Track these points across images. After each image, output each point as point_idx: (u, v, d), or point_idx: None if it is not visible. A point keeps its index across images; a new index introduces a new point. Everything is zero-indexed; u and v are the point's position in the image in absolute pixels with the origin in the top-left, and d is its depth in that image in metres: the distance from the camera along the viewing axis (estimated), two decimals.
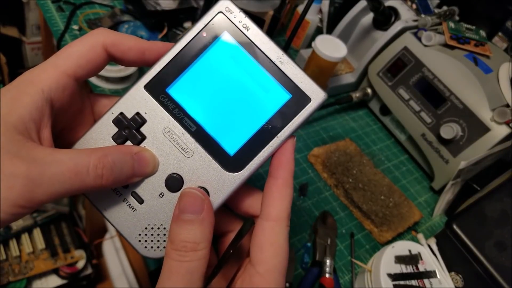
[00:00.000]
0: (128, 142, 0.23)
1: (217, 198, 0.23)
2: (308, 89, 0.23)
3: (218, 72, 0.23)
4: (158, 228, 0.23)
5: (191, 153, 0.23)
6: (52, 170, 0.18)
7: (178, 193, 0.23)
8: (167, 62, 0.23)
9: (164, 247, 0.23)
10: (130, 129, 0.23)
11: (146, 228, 0.23)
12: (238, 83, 0.23)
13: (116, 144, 0.23)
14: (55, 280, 0.77)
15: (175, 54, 0.23)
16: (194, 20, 0.65)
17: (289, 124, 0.23)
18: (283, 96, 0.23)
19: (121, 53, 0.23)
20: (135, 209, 0.23)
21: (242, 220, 0.27)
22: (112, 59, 0.23)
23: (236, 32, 0.23)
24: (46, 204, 0.21)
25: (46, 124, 0.20)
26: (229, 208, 0.26)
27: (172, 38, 0.62)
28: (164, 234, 0.23)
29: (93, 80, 0.55)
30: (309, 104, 0.23)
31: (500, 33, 0.71)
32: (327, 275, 0.43)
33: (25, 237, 0.77)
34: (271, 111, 0.23)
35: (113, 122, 0.23)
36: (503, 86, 0.55)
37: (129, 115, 0.23)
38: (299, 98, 0.23)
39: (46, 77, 0.20)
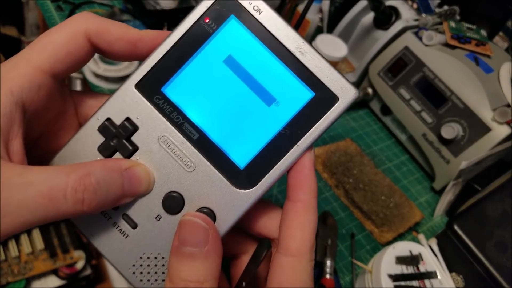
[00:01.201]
0: (117, 154, 0.19)
1: (226, 221, 0.19)
2: (335, 85, 0.19)
3: (224, 66, 0.19)
4: (156, 258, 0.20)
5: (193, 167, 0.19)
6: (20, 195, 0.15)
7: (179, 215, 0.19)
8: (162, 55, 0.19)
9: (163, 280, 0.20)
10: (119, 138, 0.19)
11: (141, 258, 0.20)
12: (248, 79, 0.19)
13: (102, 158, 0.19)
14: (55, 281, 0.76)
15: (171, 45, 0.19)
16: None
17: (312, 129, 0.19)
18: (304, 95, 0.19)
19: (108, 44, 0.19)
20: (128, 235, 0.20)
21: (256, 240, 0.23)
22: (97, 50, 0.19)
23: (246, 16, 0.19)
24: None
25: (17, 133, 0.16)
26: (240, 226, 0.23)
27: None
28: (163, 265, 0.20)
29: (92, 79, 0.55)
30: (336, 104, 0.19)
31: (501, 33, 0.71)
32: (327, 276, 0.43)
33: (24, 238, 0.77)
34: (290, 113, 0.19)
35: (98, 130, 0.19)
36: (504, 86, 0.55)
37: (118, 121, 0.19)
38: (324, 97, 0.19)
39: (16, 75, 0.17)
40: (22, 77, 0.17)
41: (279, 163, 0.19)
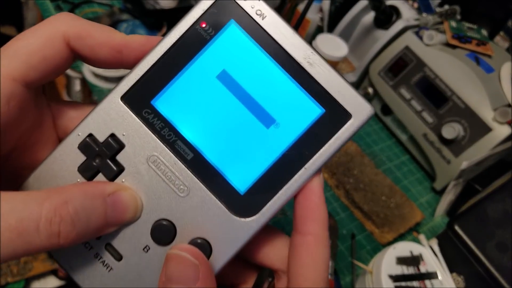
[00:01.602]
0: (100, 176, 0.17)
1: (223, 253, 0.17)
2: (347, 101, 0.17)
3: (223, 76, 0.17)
4: None
5: (186, 191, 0.17)
6: None
7: (170, 246, 0.17)
8: (152, 63, 0.17)
9: None
10: (102, 157, 0.17)
11: None
12: (249, 92, 0.17)
13: (83, 179, 0.17)
14: (54, 281, 0.76)
15: (163, 53, 0.17)
16: None
17: (321, 150, 0.17)
18: (313, 111, 0.17)
19: (89, 49, 0.17)
20: (112, 268, 0.17)
21: (256, 269, 0.21)
22: (77, 56, 0.17)
23: (248, 21, 0.17)
24: None
25: None
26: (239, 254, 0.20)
27: None
28: None
29: (91, 79, 0.55)
30: (349, 122, 0.17)
31: (502, 33, 0.71)
32: (328, 277, 0.43)
33: None
34: (296, 131, 0.17)
35: (79, 147, 0.17)
36: (505, 85, 0.54)
37: (101, 137, 0.17)
38: (335, 114, 0.17)
39: None
40: None
41: (284, 187, 0.17)
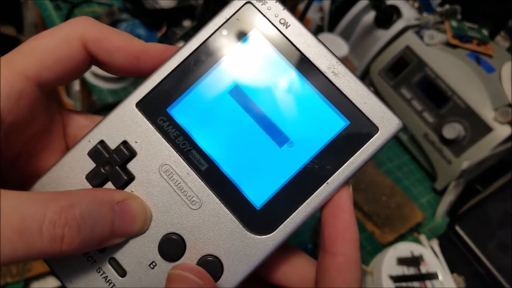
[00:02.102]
0: (109, 184, 0.16)
1: (235, 273, 0.16)
2: (374, 113, 0.16)
3: (244, 84, 0.17)
4: None
5: (198, 203, 0.16)
6: None
7: (178, 263, 0.16)
8: (170, 70, 0.16)
9: None
10: (113, 165, 0.16)
11: None
12: (270, 102, 0.16)
13: (90, 187, 0.16)
14: (53, 282, 0.76)
15: (182, 60, 0.16)
16: (194, 19, 0.64)
17: (345, 164, 0.16)
18: (337, 123, 0.16)
19: (106, 53, 0.16)
20: (114, 285, 0.16)
21: None
22: (93, 61, 0.17)
23: (271, 30, 0.16)
24: None
25: None
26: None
27: (171, 37, 0.61)
28: None
29: (91, 79, 0.54)
30: (376, 136, 0.16)
31: (502, 32, 0.71)
32: None
33: None
34: (319, 144, 0.16)
35: (88, 154, 0.16)
36: (505, 85, 0.54)
37: (113, 144, 0.16)
38: (360, 126, 0.16)
39: None
40: (1, 81, 0.14)
41: (304, 203, 0.16)
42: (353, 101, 0.16)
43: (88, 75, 0.54)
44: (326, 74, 0.16)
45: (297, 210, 0.16)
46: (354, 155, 0.16)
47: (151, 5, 0.60)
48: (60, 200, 0.14)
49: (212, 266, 0.16)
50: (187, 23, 0.64)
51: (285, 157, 0.16)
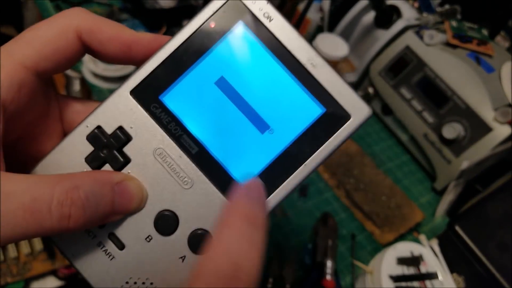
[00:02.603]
0: (107, 166, 0.18)
1: None
2: (347, 102, 0.18)
3: (229, 75, 0.18)
4: (143, 283, 0.18)
5: (190, 183, 0.18)
6: None
7: (172, 237, 0.18)
8: (161, 60, 0.18)
9: None
10: (110, 148, 0.18)
11: (127, 283, 0.18)
12: (254, 90, 0.18)
13: (89, 169, 0.18)
14: (53, 282, 0.76)
15: (172, 50, 0.18)
16: None
17: (321, 148, 0.18)
18: (314, 110, 0.18)
19: (100, 43, 0.17)
20: (114, 257, 0.18)
21: None
22: (87, 50, 0.18)
23: (255, 23, 0.18)
24: None
25: None
26: None
27: None
28: None
29: (91, 79, 0.55)
30: (348, 122, 0.18)
31: (502, 32, 0.71)
32: (328, 277, 0.43)
33: None
34: (298, 129, 0.18)
35: (87, 138, 0.18)
36: (505, 85, 0.54)
37: (109, 129, 0.18)
38: (335, 114, 0.18)
39: None
40: (2, 72, 0.15)
41: (284, 182, 0.18)
42: (329, 90, 0.18)
43: (88, 75, 0.55)
44: (305, 66, 0.18)
45: (278, 188, 0.18)
46: (329, 140, 0.18)
47: (151, 5, 0.60)
48: (65, 182, 0.15)
49: (202, 238, 0.18)
50: (187, 23, 0.64)
51: (267, 142, 0.18)
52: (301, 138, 0.18)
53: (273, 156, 0.18)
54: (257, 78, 0.18)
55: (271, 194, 0.18)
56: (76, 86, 0.67)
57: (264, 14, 0.18)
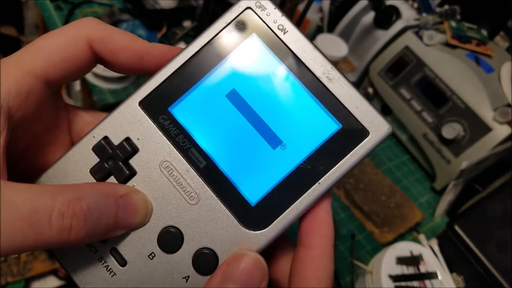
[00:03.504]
0: (111, 179, 0.17)
1: None
2: (365, 118, 0.17)
3: (241, 88, 0.17)
4: None
5: (196, 199, 0.17)
6: None
7: (175, 255, 0.17)
8: (172, 71, 0.17)
9: None
10: (116, 160, 0.17)
11: None
12: (266, 104, 0.17)
13: (94, 181, 0.17)
14: (54, 281, 0.76)
15: (184, 61, 0.17)
16: (194, 19, 0.64)
17: (336, 166, 0.17)
18: (330, 126, 0.17)
19: (111, 53, 0.17)
20: (115, 274, 0.17)
21: None
22: (99, 60, 0.18)
23: (269, 36, 0.17)
24: None
25: None
26: None
27: (171, 38, 0.61)
28: None
29: (91, 79, 0.55)
30: (366, 139, 0.17)
31: (501, 33, 0.71)
32: None
33: None
34: (312, 145, 0.17)
35: (93, 149, 0.17)
36: (504, 85, 0.54)
37: (116, 140, 0.17)
38: (352, 130, 0.17)
39: (3, 77, 0.15)
40: (10, 79, 0.15)
41: (297, 201, 0.17)
42: (346, 105, 0.17)
43: (88, 75, 0.55)
44: (320, 79, 0.17)
45: (289, 208, 0.17)
46: (345, 157, 0.17)
47: (151, 6, 0.60)
48: (67, 192, 0.14)
49: (207, 258, 0.17)
50: (187, 24, 0.64)
51: (279, 158, 0.17)
52: (315, 155, 0.17)
53: (285, 173, 0.17)
54: (270, 91, 0.17)
55: (281, 214, 0.17)
56: (77, 86, 0.67)
57: (278, 26, 0.17)
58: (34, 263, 0.76)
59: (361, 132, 0.17)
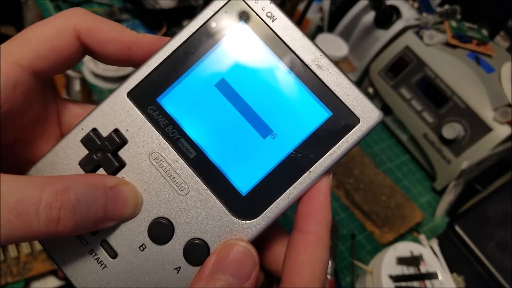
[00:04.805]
0: (101, 170, 0.17)
1: None
2: (356, 105, 0.16)
3: (230, 77, 0.17)
4: None
5: (186, 189, 0.17)
6: None
7: (166, 246, 0.17)
8: (160, 61, 0.17)
9: None
10: (105, 151, 0.17)
11: None
12: (256, 93, 0.17)
13: (83, 173, 0.17)
14: (54, 282, 0.76)
15: (172, 51, 0.17)
16: None
17: (327, 154, 0.16)
18: (320, 114, 0.17)
19: (99, 43, 0.17)
20: (106, 266, 0.17)
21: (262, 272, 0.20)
22: (86, 51, 0.17)
23: (258, 23, 0.17)
24: None
25: None
26: None
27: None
28: None
29: (91, 79, 0.55)
30: (357, 127, 0.16)
31: (502, 33, 0.71)
32: (328, 277, 0.43)
33: None
34: (302, 134, 0.17)
35: (81, 141, 0.17)
36: (505, 85, 0.54)
37: (105, 132, 0.17)
38: (342, 118, 0.17)
39: None
40: None
41: (287, 190, 0.17)
42: (336, 93, 0.17)
43: (88, 75, 0.55)
44: (310, 67, 0.17)
45: (280, 197, 0.17)
46: (336, 145, 0.17)
47: (151, 5, 0.60)
48: (55, 183, 0.14)
49: (198, 249, 0.17)
50: (187, 23, 0.64)
51: (269, 147, 0.17)
52: (305, 143, 0.17)
53: (276, 162, 0.17)
54: (259, 80, 0.17)
55: (272, 202, 0.17)
56: (76, 86, 0.67)
57: (267, 14, 0.17)
58: (34, 263, 0.76)
59: (352, 120, 0.17)
